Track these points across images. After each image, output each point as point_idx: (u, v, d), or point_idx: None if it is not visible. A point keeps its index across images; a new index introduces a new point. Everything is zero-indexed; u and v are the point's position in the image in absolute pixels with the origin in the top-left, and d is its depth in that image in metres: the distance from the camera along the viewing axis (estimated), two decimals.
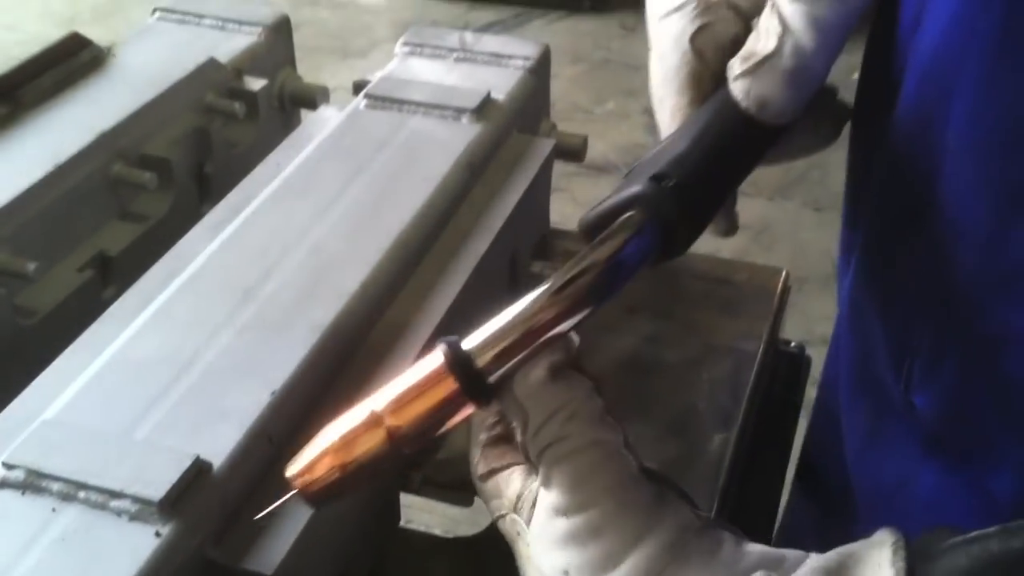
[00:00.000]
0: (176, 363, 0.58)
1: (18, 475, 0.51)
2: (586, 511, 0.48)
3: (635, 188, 0.54)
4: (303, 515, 0.53)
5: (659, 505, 0.48)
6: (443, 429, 0.49)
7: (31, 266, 0.70)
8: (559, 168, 0.88)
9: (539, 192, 0.83)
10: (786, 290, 0.91)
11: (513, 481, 0.52)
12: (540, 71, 0.88)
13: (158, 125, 0.82)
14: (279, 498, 0.50)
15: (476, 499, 0.57)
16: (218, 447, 0.53)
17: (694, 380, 0.80)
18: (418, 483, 0.65)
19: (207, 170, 0.86)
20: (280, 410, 0.56)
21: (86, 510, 0.50)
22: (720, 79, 0.60)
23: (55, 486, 0.51)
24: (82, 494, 0.50)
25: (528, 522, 0.50)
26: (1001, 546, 0.41)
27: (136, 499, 0.49)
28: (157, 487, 0.49)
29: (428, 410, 0.48)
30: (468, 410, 0.49)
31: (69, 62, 0.85)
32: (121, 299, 0.66)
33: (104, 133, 0.78)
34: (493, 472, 0.53)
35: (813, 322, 2.05)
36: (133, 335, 0.60)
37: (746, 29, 0.60)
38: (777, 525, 0.95)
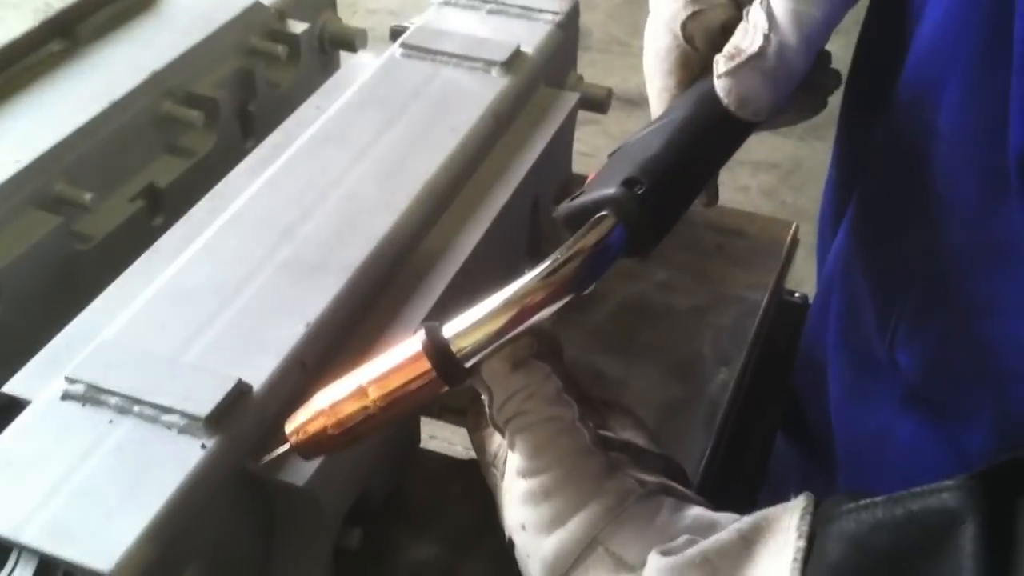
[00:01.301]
0: (220, 294, 0.63)
1: (79, 389, 0.57)
2: (540, 476, 0.54)
3: (608, 190, 0.57)
4: None
5: (605, 475, 0.54)
6: (421, 402, 0.55)
7: (88, 196, 0.75)
8: None
9: (562, 142, 0.87)
10: (794, 243, 0.96)
11: (494, 438, 0.59)
12: (568, 25, 0.92)
13: (206, 66, 0.87)
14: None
15: None
16: (258, 372, 0.58)
17: (700, 326, 0.86)
18: (437, 410, 0.71)
19: (250, 109, 0.91)
20: (314, 340, 0.62)
21: (140, 423, 0.56)
22: (708, 62, 0.61)
23: (112, 400, 0.56)
24: (136, 408, 0.56)
25: (502, 476, 0.57)
26: (885, 513, 0.46)
27: (184, 415, 0.55)
28: (203, 405, 0.55)
29: (406, 388, 0.54)
30: (443, 390, 0.54)
31: (122, 0, 0.90)
32: (169, 232, 0.71)
33: (156, 73, 0.83)
34: (479, 428, 0.60)
35: None
36: (181, 267, 0.65)
37: (737, 16, 0.61)
38: (765, 473, 1.00)
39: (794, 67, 0.59)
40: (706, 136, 0.60)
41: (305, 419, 0.55)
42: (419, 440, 0.72)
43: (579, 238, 0.56)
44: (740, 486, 0.87)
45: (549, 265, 0.55)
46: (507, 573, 0.58)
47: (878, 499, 0.47)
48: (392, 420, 0.55)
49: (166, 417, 0.56)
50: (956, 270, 0.67)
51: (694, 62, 0.63)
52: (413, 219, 0.71)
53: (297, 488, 0.56)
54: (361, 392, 0.54)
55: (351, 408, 0.54)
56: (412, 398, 0.54)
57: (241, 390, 0.57)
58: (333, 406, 0.54)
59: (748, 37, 0.59)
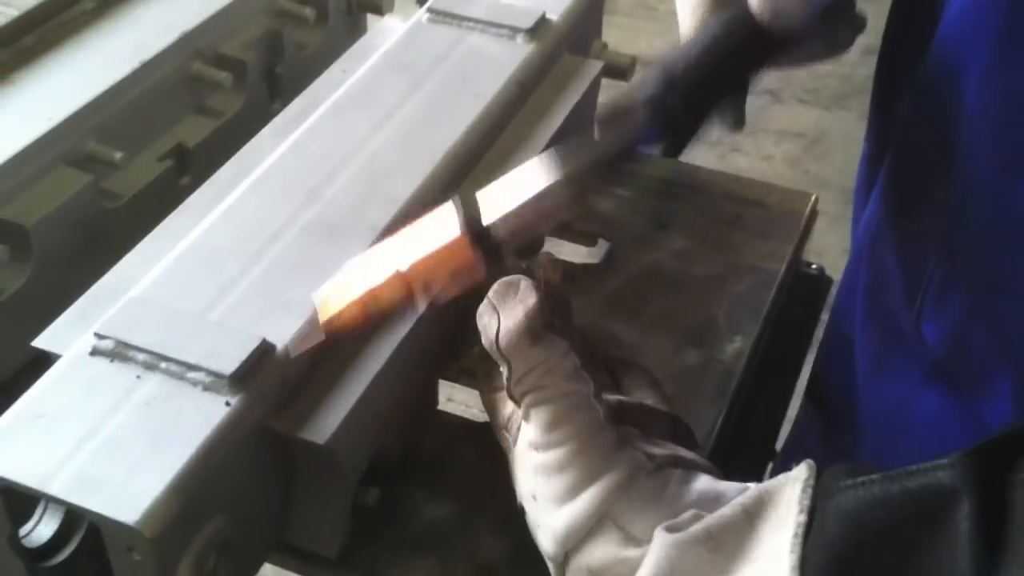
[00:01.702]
0: (246, 255, 0.65)
1: (108, 344, 0.59)
2: (553, 450, 0.56)
3: (646, 89, 0.60)
4: (353, 395, 0.60)
5: (616, 450, 0.56)
6: (453, 289, 0.57)
7: (118, 154, 0.77)
8: None
9: (585, 110, 0.88)
10: (813, 214, 0.97)
11: (506, 404, 0.60)
12: None
13: (235, 27, 0.88)
14: (332, 372, 0.60)
15: None
16: (281, 331, 0.60)
17: (716, 295, 0.86)
18: (455, 372, 0.72)
19: (278, 71, 0.92)
20: None
21: (166, 379, 0.57)
22: None
23: (140, 356, 0.58)
24: (163, 365, 0.58)
25: (515, 442, 0.58)
26: (881, 490, 0.46)
27: (210, 372, 0.57)
28: (229, 362, 0.57)
29: (444, 268, 0.56)
30: (479, 270, 0.56)
31: None
32: (197, 192, 0.73)
33: (186, 33, 0.84)
34: (492, 390, 0.61)
35: None
36: (208, 227, 0.67)
37: None
38: (787, 437, 1.02)
39: None
40: (738, 49, 0.63)
41: (340, 305, 0.57)
42: (437, 402, 0.74)
43: (617, 130, 0.59)
44: (751, 454, 0.88)
45: (584, 153, 0.58)
46: (518, 533, 0.60)
47: (875, 476, 0.47)
48: (426, 300, 0.57)
49: (192, 374, 0.57)
50: (974, 248, 0.67)
51: None
52: (435, 184, 0.72)
53: (318, 446, 0.58)
54: (400, 278, 0.56)
55: (390, 296, 0.56)
56: (448, 281, 0.56)
57: (265, 349, 0.58)
58: (371, 293, 0.56)
59: None
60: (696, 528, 0.51)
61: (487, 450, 0.65)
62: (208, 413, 0.56)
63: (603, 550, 0.54)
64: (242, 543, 0.58)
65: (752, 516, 0.51)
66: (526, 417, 0.57)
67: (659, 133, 0.59)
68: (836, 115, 2.62)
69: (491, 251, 0.56)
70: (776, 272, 0.89)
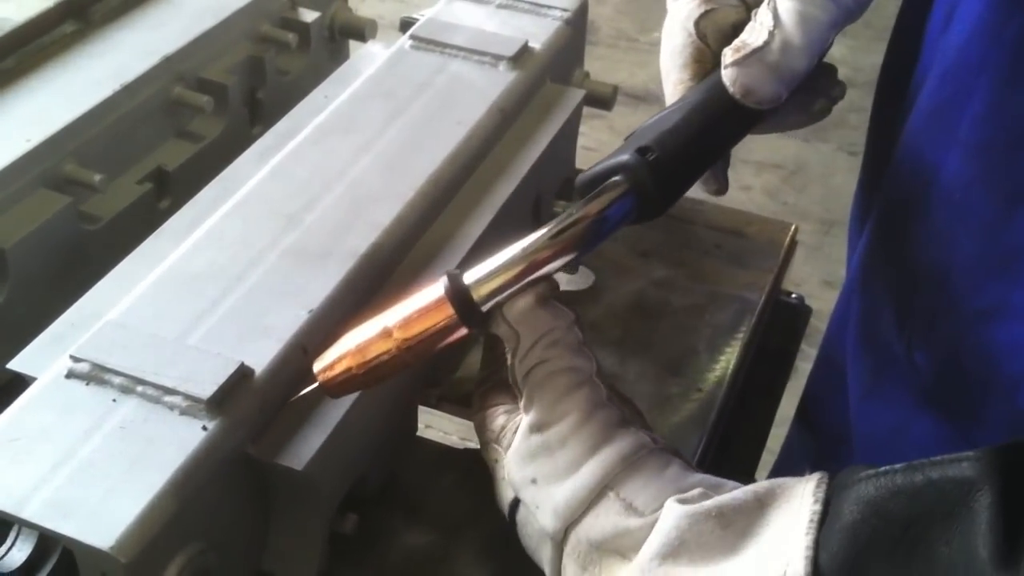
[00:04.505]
0: (225, 279, 0.64)
1: (84, 368, 0.58)
2: (557, 425, 0.56)
3: (622, 157, 0.61)
4: (331, 421, 0.60)
5: (620, 425, 0.57)
6: (441, 345, 0.59)
7: (97, 177, 0.76)
8: None
9: (566, 138, 0.88)
10: (793, 244, 0.97)
11: (498, 417, 0.61)
12: (577, 22, 0.92)
13: (217, 52, 0.88)
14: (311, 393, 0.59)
15: None
16: (260, 356, 0.59)
17: (696, 324, 0.87)
18: (435, 399, 0.72)
19: (259, 96, 0.92)
20: (315, 327, 0.63)
21: (143, 403, 0.57)
22: (719, 58, 0.65)
23: (116, 380, 0.57)
24: (140, 389, 0.57)
25: (506, 450, 0.59)
26: (904, 479, 0.47)
27: (187, 396, 0.56)
28: (206, 387, 0.56)
29: (429, 329, 0.58)
30: (462, 332, 0.58)
31: None
32: (177, 215, 0.72)
33: (167, 57, 0.84)
34: (484, 408, 0.61)
35: (838, 264, 2.10)
36: (187, 250, 0.66)
37: (747, 17, 0.65)
38: (775, 463, 1.02)
39: (796, 63, 0.63)
40: (715, 120, 0.64)
41: (333, 359, 0.58)
42: (416, 429, 0.73)
43: (592, 198, 0.60)
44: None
45: (562, 222, 0.59)
46: (498, 559, 0.60)
47: (897, 466, 0.48)
48: (414, 360, 0.58)
49: (169, 398, 0.57)
50: (966, 276, 0.68)
51: (706, 57, 0.67)
52: (416, 210, 0.72)
53: (295, 472, 0.58)
54: (386, 333, 0.58)
55: (377, 349, 0.58)
56: (433, 340, 0.58)
57: (243, 373, 0.58)
58: (360, 347, 0.58)
59: (754, 33, 0.63)
60: (708, 504, 0.51)
61: (466, 476, 0.65)
62: (184, 438, 0.55)
63: (605, 520, 0.54)
64: (218, 570, 0.57)
65: (764, 504, 0.51)
66: (528, 401, 0.58)
67: (633, 202, 0.61)
68: (815, 147, 2.64)
69: (469, 308, 0.58)
70: (756, 301, 0.89)
